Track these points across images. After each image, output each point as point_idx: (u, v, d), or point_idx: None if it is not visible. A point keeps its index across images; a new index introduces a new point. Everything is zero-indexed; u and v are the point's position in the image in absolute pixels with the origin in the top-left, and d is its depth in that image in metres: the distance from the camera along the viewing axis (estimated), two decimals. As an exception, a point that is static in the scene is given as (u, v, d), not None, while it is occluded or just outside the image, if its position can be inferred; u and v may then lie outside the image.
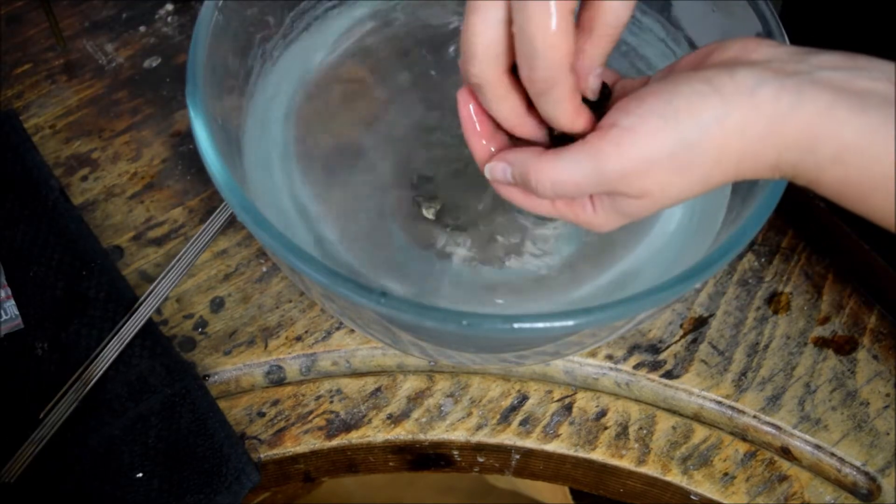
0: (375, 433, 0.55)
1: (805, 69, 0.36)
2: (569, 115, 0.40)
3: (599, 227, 0.41)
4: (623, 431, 0.55)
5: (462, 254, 0.52)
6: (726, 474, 0.55)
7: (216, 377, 0.56)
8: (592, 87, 0.41)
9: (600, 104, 0.42)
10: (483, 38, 0.38)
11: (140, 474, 0.52)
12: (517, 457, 0.56)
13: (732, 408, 0.56)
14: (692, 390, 0.57)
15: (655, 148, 0.37)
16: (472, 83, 0.40)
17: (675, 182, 0.38)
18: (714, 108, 0.36)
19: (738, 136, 0.36)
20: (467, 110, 0.42)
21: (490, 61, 0.39)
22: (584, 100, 0.41)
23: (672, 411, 0.57)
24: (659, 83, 0.38)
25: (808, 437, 0.56)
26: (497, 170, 0.42)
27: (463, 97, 0.42)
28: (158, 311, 0.58)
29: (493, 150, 0.43)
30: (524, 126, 0.42)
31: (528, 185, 0.41)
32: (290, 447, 0.54)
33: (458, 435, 0.55)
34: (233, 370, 0.56)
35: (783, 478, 0.55)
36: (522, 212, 0.53)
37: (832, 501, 0.54)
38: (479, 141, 0.43)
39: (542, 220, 0.53)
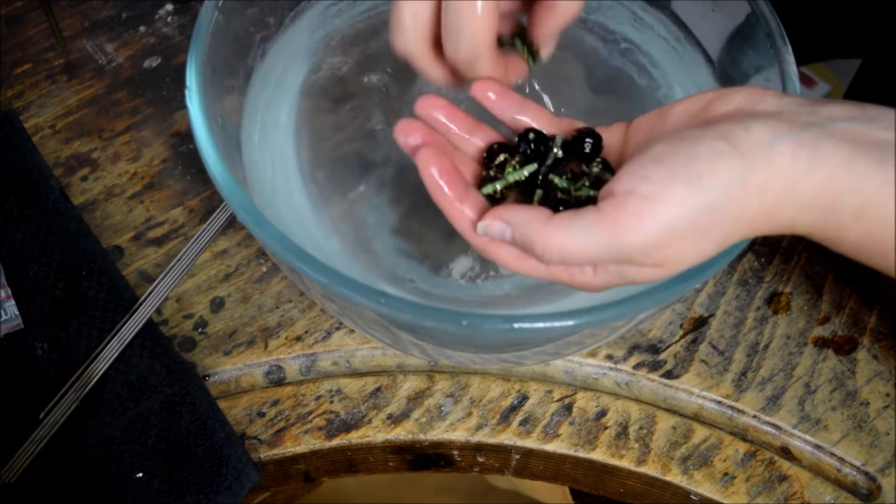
0: (375, 433, 0.55)
1: (818, 121, 0.35)
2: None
3: (595, 290, 0.40)
4: (623, 431, 0.55)
5: (462, 266, 0.52)
6: (726, 474, 0.55)
7: (216, 377, 0.56)
8: (545, 52, 0.44)
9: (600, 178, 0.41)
10: (411, 11, 0.41)
11: (140, 474, 0.52)
12: (517, 457, 0.56)
13: (732, 408, 0.56)
14: (692, 390, 0.57)
15: (678, 217, 0.35)
16: (400, 52, 0.43)
17: (693, 249, 0.36)
18: (734, 169, 0.34)
19: (757, 196, 0.35)
20: (429, 174, 0.40)
21: (417, 34, 0.42)
22: (585, 179, 0.41)
23: (672, 411, 0.57)
24: (673, 142, 0.36)
25: (808, 437, 0.56)
26: (493, 228, 0.39)
27: (423, 159, 0.40)
28: (158, 311, 0.58)
29: (467, 212, 0.40)
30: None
31: (531, 251, 0.38)
32: (290, 447, 0.54)
33: (458, 435, 0.55)
34: (233, 370, 0.56)
35: (783, 478, 0.55)
36: None
37: (832, 501, 0.54)
38: (453, 204, 0.40)
39: None
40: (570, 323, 0.40)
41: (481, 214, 0.40)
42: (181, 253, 0.59)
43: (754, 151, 0.34)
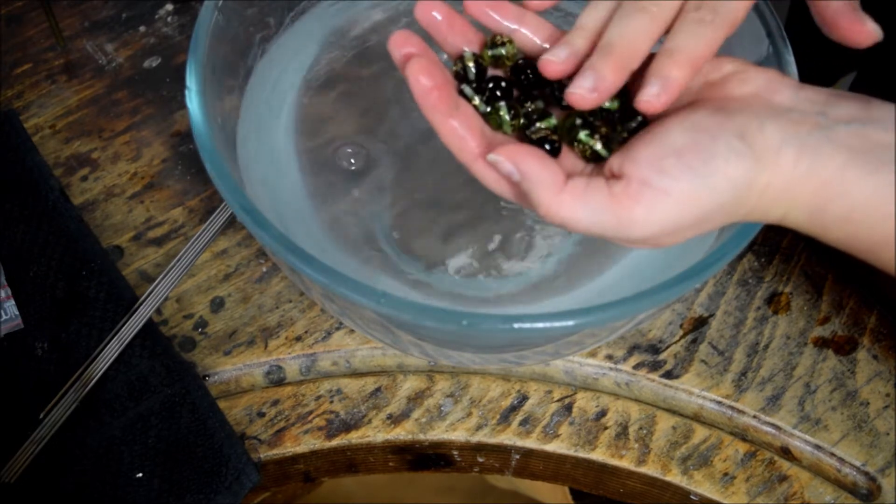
0: (375, 433, 0.55)
1: (825, 123, 0.36)
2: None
3: (571, 232, 0.40)
4: (623, 431, 0.55)
5: (459, 263, 0.52)
6: (726, 474, 0.55)
7: (216, 377, 0.56)
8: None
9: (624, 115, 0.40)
10: None
11: (140, 474, 0.52)
12: (517, 457, 0.56)
13: (732, 408, 0.56)
14: (692, 390, 0.57)
15: (687, 214, 0.36)
16: None
17: (687, 236, 0.38)
18: (747, 171, 0.36)
19: (759, 195, 0.36)
20: (420, 85, 0.38)
21: None
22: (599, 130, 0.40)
23: (672, 411, 0.57)
24: (692, 133, 0.36)
25: (808, 437, 0.56)
26: (504, 167, 0.38)
27: (413, 69, 0.38)
28: (158, 311, 0.58)
29: (456, 125, 0.39)
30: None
31: (534, 207, 0.38)
32: (290, 447, 0.54)
33: (458, 435, 0.55)
34: (233, 370, 0.56)
35: (783, 478, 0.55)
36: (520, 226, 0.53)
37: (832, 501, 0.54)
38: (443, 119, 0.39)
39: (541, 230, 0.53)
40: (570, 323, 0.40)
41: (472, 131, 0.39)
42: (181, 253, 0.59)
43: (765, 154, 0.36)
